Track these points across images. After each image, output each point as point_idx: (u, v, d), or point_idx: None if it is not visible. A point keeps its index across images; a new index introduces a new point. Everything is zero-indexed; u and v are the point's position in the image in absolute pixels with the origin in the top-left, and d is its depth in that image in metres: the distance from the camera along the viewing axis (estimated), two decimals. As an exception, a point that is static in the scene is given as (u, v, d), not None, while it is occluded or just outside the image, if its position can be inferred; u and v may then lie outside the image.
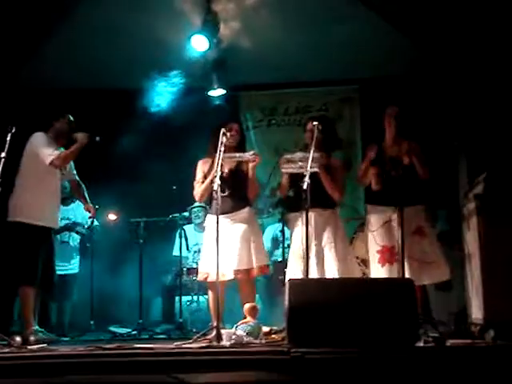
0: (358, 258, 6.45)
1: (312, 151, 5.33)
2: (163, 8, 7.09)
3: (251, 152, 5.83)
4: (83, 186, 6.45)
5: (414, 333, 4.51)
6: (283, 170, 5.68)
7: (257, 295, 6.19)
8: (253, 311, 5.29)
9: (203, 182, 5.84)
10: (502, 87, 6.48)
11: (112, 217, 7.65)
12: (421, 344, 4.60)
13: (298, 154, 5.54)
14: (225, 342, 4.91)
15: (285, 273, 5.91)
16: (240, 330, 5.06)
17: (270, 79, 8.52)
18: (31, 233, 5.84)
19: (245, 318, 5.26)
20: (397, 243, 5.51)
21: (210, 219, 5.83)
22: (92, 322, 6.95)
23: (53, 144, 6.01)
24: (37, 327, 5.80)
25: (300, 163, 5.40)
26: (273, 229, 7.89)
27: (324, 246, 5.71)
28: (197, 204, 7.46)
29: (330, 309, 4.48)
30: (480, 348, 4.74)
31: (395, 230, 5.61)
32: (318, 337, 4.43)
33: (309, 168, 5.24)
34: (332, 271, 5.62)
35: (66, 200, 6.87)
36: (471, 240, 5.41)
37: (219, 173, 5.24)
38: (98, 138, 6.09)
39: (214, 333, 5.01)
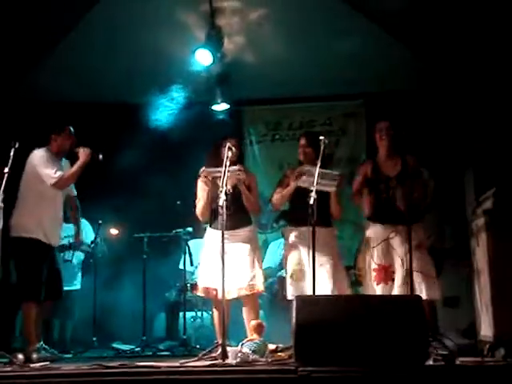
0: (360, 270, 6.42)
1: (318, 167, 5.30)
2: (166, 22, 7.11)
3: (236, 167, 5.69)
4: (79, 204, 6.36)
5: (423, 351, 4.44)
6: (299, 184, 5.60)
7: (261, 311, 6.13)
8: (259, 328, 5.24)
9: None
10: (508, 100, 6.43)
11: (113, 231, 7.60)
12: (430, 362, 4.53)
13: (315, 169, 5.45)
14: (230, 360, 4.82)
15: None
16: (246, 348, 4.98)
17: (274, 94, 8.49)
18: (33, 248, 5.78)
19: (251, 334, 5.20)
20: (394, 262, 5.49)
21: (210, 233, 5.78)
22: (95, 339, 6.86)
23: (54, 162, 5.93)
24: (41, 343, 5.75)
25: (316, 179, 5.31)
26: (277, 244, 7.81)
27: (320, 263, 5.60)
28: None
29: (338, 326, 4.41)
30: (490, 367, 4.66)
31: (394, 248, 5.55)
32: (325, 355, 4.36)
33: (323, 187, 5.19)
34: (325, 289, 5.56)
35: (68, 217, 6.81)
36: (480, 256, 5.35)
37: (225, 188, 5.17)
38: (100, 157, 6.01)
39: (220, 350, 4.93)
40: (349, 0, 6.93)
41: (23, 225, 5.81)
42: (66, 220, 6.35)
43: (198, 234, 7.49)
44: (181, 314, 7.20)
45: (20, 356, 5.38)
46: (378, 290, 5.57)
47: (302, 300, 4.67)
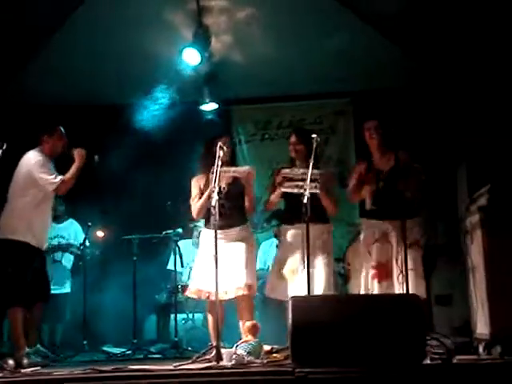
0: (349, 264, 6.39)
1: (310, 168, 5.26)
2: (153, 21, 7.04)
3: (247, 167, 5.73)
4: None
5: (420, 350, 4.38)
6: (283, 189, 5.57)
7: (256, 312, 6.07)
8: (253, 329, 5.17)
9: (200, 199, 5.72)
10: (500, 96, 6.42)
11: (100, 233, 7.52)
12: (427, 361, 4.48)
13: (297, 171, 5.42)
14: (225, 362, 4.76)
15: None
16: (241, 350, 4.91)
17: (263, 93, 8.44)
18: (20, 251, 5.67)
19: (245, 335, 5.14)
20: (392, 258, 5.45)
21: (206, 234, 5.73)
22: (85, 342, 6.79)
23: (51, 166, 5.83)
24: (38, 346, 5.71)
25: (301, 183, 5.28)
26: (268, 244, 7.75)
27: (314, 261, 5.57)
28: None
29: (335, 327, 4.35)
30: (488, 365, 4.63)
31: (391, 244, 5.52)
32: (322, 356, 4.29)
33: (308, 189, 5.14)
34: (318, 287, 5.51)
35: (58, 218, 6.74)
36: (475, 253, 5.31)
37: (217, 188, 5.11)
38: (96, 158, 5.93)
39: (214, 352, 4.86)
40: (338, -3, 6.91)
41: (12, 227, 5.71)
42: (56, 219, 6.27)
43: (188, 234, 7.46)
44: (172, 315, 7.15)
45: (10, 361, 5.29)
46: (379, 287, 5.52)
47: (298, 300, 4.60)
